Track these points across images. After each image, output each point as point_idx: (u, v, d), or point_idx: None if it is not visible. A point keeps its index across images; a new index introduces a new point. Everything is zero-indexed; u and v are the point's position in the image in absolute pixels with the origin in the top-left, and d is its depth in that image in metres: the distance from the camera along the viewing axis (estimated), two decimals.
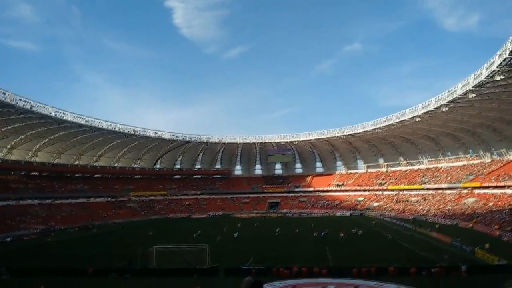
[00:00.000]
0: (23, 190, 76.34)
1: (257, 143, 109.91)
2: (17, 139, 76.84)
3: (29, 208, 71.19)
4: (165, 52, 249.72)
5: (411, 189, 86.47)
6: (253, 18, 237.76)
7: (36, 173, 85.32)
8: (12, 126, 70.01)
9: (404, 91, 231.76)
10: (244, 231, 56.08)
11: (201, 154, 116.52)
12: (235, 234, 50.47)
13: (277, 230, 53.65)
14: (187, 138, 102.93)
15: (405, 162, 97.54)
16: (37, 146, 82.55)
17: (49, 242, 49.92)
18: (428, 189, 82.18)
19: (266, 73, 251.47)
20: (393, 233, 50.29)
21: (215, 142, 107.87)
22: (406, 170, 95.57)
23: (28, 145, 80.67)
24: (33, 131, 75.07)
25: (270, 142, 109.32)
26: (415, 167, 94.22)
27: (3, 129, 70.53)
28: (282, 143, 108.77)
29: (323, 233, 49.13)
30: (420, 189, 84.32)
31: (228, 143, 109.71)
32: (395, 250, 38.07)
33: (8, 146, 77.39)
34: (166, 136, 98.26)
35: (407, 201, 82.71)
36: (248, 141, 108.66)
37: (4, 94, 58.48)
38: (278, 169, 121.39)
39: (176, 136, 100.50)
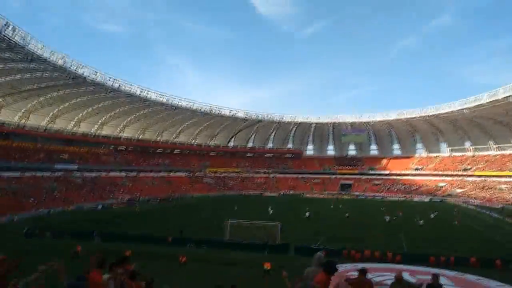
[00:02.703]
0: (112, 162, 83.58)
1: (331, 123, 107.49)
2: (107, 116, 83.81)
3: (117, 179, 77.89)
4: (241, 32, 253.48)
5: (501, 176, 79.01)
6: None
7: (123, 148, 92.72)
8: (102, 103, 76.44)
9: (498, 69, 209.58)
10: (316, 211, 55.82)
11: (273, 133, 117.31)
12: (307, 214, 50.53)
13: (346, 214, 52.25)
14: (260, 117, 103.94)
15: (495, 146, 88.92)
16: (124, 123, 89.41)
17: (137, 211, 54.31)
18: None
19: (344, 50, 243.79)
20: (477, 222, 46.77)
21: (288, 121, 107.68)
22: (496, 155, 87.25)
23: (116, 122, 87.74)
24: (121, 109, 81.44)
25: (344, 122, 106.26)
26: (507, 152, 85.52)
27: (95, 107, 77.38)
28: (357, 123, 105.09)
29: (393, 217, 46.70)
30: (511, 176, 76.75)
31: (300, 123, 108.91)
32: (479, 240, 35.30)
33: (100, 122, 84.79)
34: (240, 114, 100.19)
35: (496, 188, 75.91)
36: (321, 120, 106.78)
37: (96, 73, 63.83)
38: (352, 150, 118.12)
39: (250, 114, 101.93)
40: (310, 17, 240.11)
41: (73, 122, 79.89)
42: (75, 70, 59.28)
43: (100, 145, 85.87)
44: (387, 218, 48.05)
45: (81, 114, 79.01)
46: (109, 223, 42.22)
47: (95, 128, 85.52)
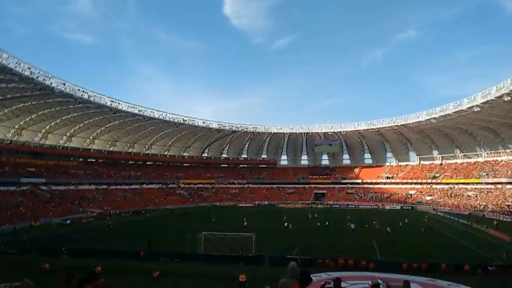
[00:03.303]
0: (81, 175, 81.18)
1: (304, 133, 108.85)
2: (76, 127, 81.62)
3: (87, 193, 75.61)
4: (214, 43, 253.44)
5: (468, 183, 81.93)
6: (302, 6, 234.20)
7: (93, 160, 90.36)
8: (71, 115, 74.43)
9: (462, 80, 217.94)
10: (292, 221, 55.82)
11: (247, 143, 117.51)
12: (286, 224, 50.42)
13: (326, 222, 52.46)
14: (234, 128, 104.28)
15: (461, 154, 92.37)
16: (94, 134, 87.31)
17: (110, 225, 52.77)
18: (486, 183, 77.51)
19: (315, 62, 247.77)
20: (446, 229, 48.21)
21: (262, 132, 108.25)
22: (462, 163, 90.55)
23: (86, 133, 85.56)
24: (91, 120, 79.53)
25: (317, 132, 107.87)
26: (473, 160, 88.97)
27: (64, 118, 75.23)
28: (330, 133, 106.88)
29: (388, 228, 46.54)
30: (477, 183, 79.73)
31: (274, 133, 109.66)
32: (449, 246, 36.35)
33: (68, 134, 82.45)
34: (214, 125, 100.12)
35: (463, 195, 78.57)
36: (295, 131, 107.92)
37: (64, 84, 62.23)
38: (325, 160, 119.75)
39: (224, 126, 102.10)
40: (282, 30, 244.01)
41: (41, 134, 77.36)
42: (43, 80, 57.50)
43: (68, 157, 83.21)
44: (353, 226, 48.76)
45: (48, 125, 76.64)
46: (78, 238, 40.84)
47: (64, 140, 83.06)
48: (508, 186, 71.91)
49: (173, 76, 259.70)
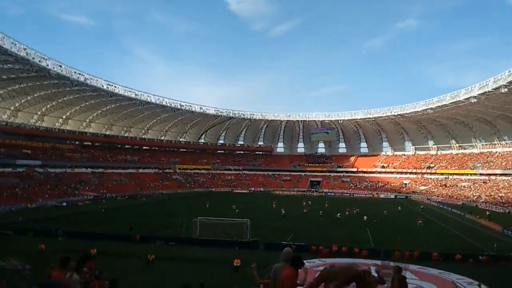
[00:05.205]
0: (77, 158, 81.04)
1: (301, 121, 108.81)
2: (72, 110, 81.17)
3: (83, 176, 75.62)
4: (213, 27, 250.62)
5: (462, 174, 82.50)
6: None
7: (89, 143, 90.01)
8: (67, 97, 73.91)
9: (461, 71, 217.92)
10: (287, 208, 56.12)
11: (244, 130, 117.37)
12: (283, 211, 50.63)
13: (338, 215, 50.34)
14: (231, 114, 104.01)
15: (456, 145, 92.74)
16: (90, 117, 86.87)
17: (101, 209, 52.86)
18: (481, 174, 78.05)
19: (314, 49, 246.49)
20: (439, 218, 48.73)
21: (258, 119, 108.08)
22: (457, 154, 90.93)
23: (82, 116, 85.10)
24: (87, 103, 79.03)
25: (314, 120, 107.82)
26: (467, 151, 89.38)
27: (60, 100, 74.73)
28: (326, 121, 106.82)
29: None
30: (471, 174, 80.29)
31: (271, 120, 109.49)
32: (442, 236, 36.81)
33: (64, 117, 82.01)
34: (211, 111, 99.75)
35: (457, 186, 79.18)
36: (291, 118, 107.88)
37: (60, 66, 61.60)
38: (321, 148, 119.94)
39: (221, 112, 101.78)
40: (282, 16, 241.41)
41: (36, 116, 76.90)
42: (39, 62, 56.83)
43: (64, 140, 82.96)
44: (321, 212, 49.70)
45: (44, 108, 76.15)
46: (74, 221, 40.98)
47: (60, 122, 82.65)
48: (502, 178, 72.53)
49: (170, 59, 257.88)
